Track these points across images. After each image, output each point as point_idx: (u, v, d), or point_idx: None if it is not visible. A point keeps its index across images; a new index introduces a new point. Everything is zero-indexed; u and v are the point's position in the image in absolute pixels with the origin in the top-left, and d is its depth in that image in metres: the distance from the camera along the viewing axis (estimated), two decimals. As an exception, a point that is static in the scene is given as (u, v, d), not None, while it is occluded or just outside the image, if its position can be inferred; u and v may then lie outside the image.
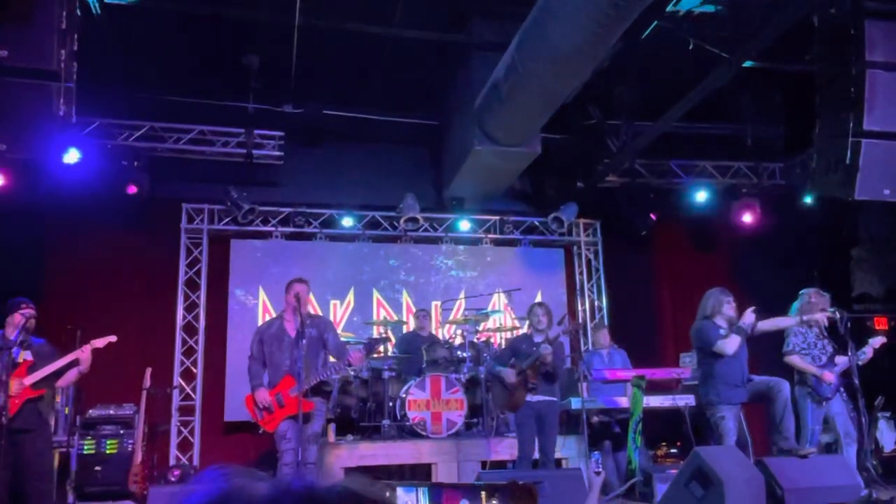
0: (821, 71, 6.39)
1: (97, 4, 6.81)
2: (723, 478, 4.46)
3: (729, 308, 5.79)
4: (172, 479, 7.06)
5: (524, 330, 8.01)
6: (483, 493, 3.87)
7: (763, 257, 9.76)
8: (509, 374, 6.25)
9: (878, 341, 6.31)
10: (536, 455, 6.19)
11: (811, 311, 6.19)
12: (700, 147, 9.72)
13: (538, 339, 6.28)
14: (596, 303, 9.98)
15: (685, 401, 7.14)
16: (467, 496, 3.34)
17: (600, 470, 4.05)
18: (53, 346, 5.40)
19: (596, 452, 4.46)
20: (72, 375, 5.34)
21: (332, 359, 5.80)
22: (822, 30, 6.30)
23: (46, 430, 5.42)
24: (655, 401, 7.18)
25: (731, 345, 5.63)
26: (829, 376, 6.03)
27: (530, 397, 6.14)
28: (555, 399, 6.29)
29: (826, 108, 6.35)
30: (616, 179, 9.48)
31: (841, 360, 6.12)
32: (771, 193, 9.71)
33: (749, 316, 5.70)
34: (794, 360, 6.09)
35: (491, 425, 7.30)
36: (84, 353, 5.24)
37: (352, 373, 7.24)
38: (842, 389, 6.18)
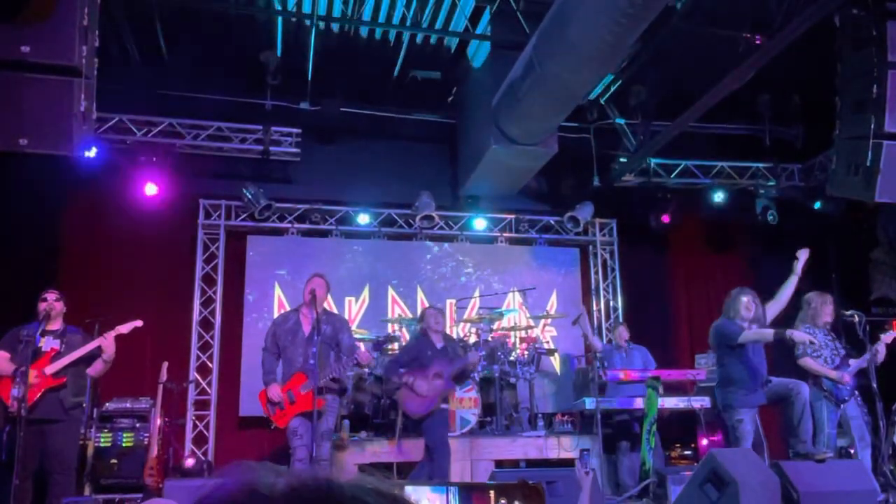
0: (841, 72, 6.33)
1: None
2: (738, 480, 4.44)
3: (747, 311, 5.75)
4: (187, 466, 7.13)
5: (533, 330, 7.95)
6: (492, 493, 3.87)
7: (780, 259, 9.65)
8: (420, 387, 6.15)
9: (889, 336, 6.20)
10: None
11: (820, 316, 6.13)
12: (718, 147, 9.66)
13: (440, 344, 6.29)
14: (611, 303, 9.94)
15: (700, 402, 7.11)
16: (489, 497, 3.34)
17: (589, 470, 4.09)
18: (86, 335, 5.44)
19: (586, 453, 4.51)
20: (98, 365, 5.37)
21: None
22: (843, 30, 6.25)
23: (73, 421, 5.35)
24: (670, 402, 7.15)
25: (751, 335, 5.63)
26: (847, 378, 5.98)
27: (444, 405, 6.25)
28: (447, 406, 6.40)
29: (846, 110, 6.29)
30: (633, 179, 9.44)
31: (854, 362, 6.06)
32: (789, 195, 9.63)
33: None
34: (808, 362, 6.03)
35: (504, 424, 7.31)
36: (107, 340, 5.26)
37: (367, 370, 7.25)
38: (856, 393, 6.12)
